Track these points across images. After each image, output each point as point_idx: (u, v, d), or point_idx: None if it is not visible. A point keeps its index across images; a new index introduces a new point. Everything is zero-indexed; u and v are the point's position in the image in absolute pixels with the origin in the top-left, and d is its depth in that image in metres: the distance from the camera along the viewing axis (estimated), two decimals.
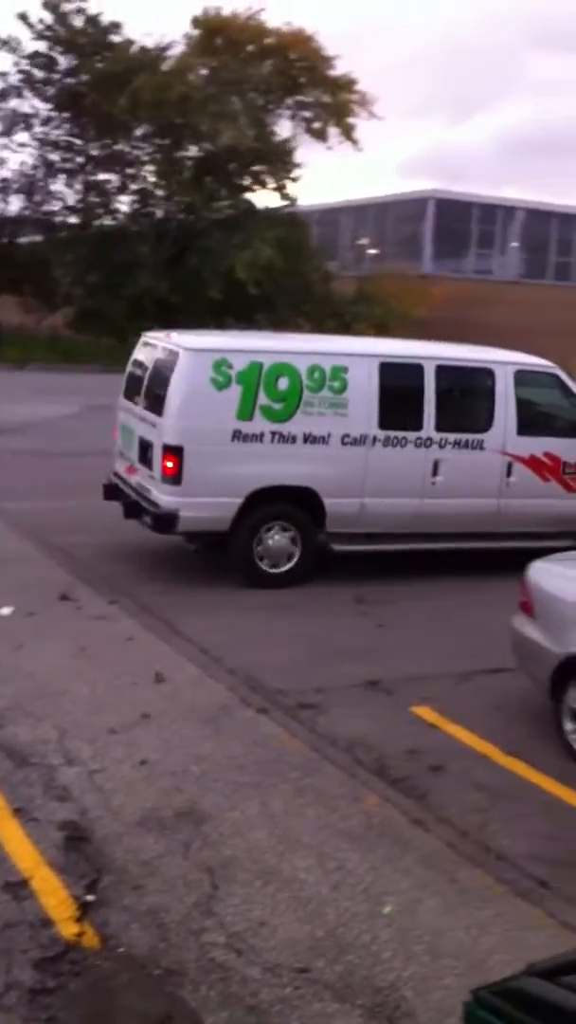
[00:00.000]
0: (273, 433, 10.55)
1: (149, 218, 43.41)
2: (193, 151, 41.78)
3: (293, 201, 42.63)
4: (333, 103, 42.00)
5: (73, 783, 6.26)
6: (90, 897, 5.14)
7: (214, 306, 40.30)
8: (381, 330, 39.17)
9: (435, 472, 11.22)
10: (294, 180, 42.31)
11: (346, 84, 41.87)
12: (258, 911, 5.10)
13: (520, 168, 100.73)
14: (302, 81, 41.96)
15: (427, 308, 40.96)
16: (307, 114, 42.84)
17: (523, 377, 11.78)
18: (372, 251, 50.68)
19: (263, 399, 10.50)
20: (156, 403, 10.67)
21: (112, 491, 11.65)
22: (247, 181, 42.80)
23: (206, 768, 6.56)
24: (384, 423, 10.97)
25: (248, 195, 43.03)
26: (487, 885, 5.49)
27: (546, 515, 11.75)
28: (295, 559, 10.91)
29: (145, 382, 11.16)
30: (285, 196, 42.50)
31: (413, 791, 6.49)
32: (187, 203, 41.51)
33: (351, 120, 42.03)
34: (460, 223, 48.67)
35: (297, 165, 42.41)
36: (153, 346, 11.45)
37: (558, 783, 6.68)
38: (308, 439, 10.68)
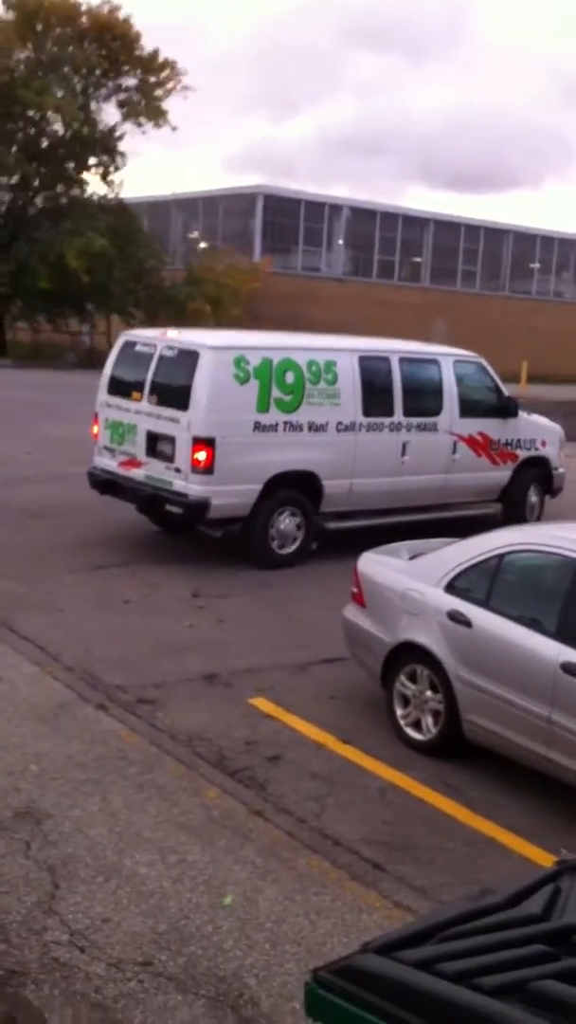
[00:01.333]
0: (285, 423, 11.50)
1: None
2: (19, 137, 40.84)
3: (118, 189, 42.12)
4: (144, 82, 41.61)
5: None
6: None
7: (44, 295, 39.58)
8: (215, 306, 39.19)
9: (404, 452, 12.43)
10: (118, 168, 41.85)
11: (152, 58, 41.44)
12: (100, 907, 5.12)
13: (343, 166, 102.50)
14: (122, 60, 41.39)
15: (260, 283, 41.30)
16: (124, 96, 42.27)
17: (459, 366, 13.41)
18: (203, 244, 50.67)
19: (276, 392, 11.40)
20: (173, 398, 11.23)
21: (108, 486, 12.21)
22: (74, 168, 42.11)
23: (45, 766, 6.52)
24: (367, 411, 12.14)
25: (77, 184, 42.39)
26: (324, 871, 5.65)
27: (478, 486, 13.56)
28: (299, 540, 11.82)
29: (150, 379, 11.56)
30: (111, 184, 41.99)
31: (252, 782, 6.60)
32: (13, 187, 40.54)
33: (161, 98, 41.61)
34: (288, 219, 49.18)
35: (122, 153, 42.00)
36: (149, 345, 11.84)
37: (391, 768, 6.90)
38: (311, 427, 11.73)
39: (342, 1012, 2.44)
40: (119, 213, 41.61)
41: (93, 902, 5.15)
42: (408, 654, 7.23)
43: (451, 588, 7.03)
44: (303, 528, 11.84)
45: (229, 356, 11.20)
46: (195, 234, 51.94)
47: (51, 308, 42.02)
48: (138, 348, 12.05)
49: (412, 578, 7.34)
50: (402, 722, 7.30)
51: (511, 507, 13.86)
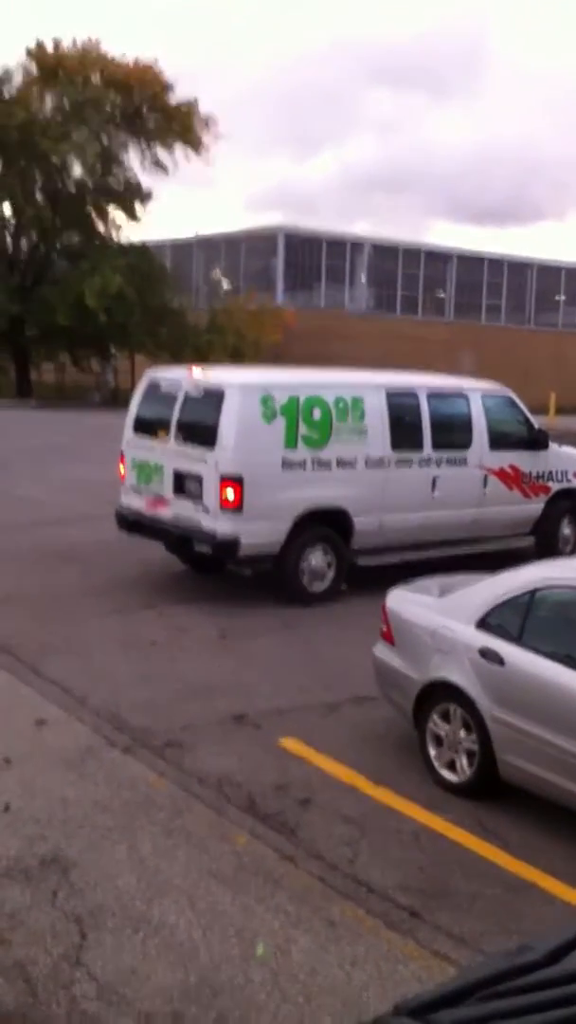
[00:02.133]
0: (313, 460, 11.49)
1: None
2: (41, 181, 41.44)
3: (139, 224, 42.64)
4: (177, 127, 42.16)
5: None
6: None
7: (65, 334, 39.93)
8: (235, 357, 39.48)
9: (434, 487, 12.40)
10: (144, 205, 42.38)
11: (189, 109, 42.08)
12: (128, 959, 4.98)
13: (365, 203, 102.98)
14: (145, 111, 42.04)
15: (281, 334, 41.44)
16: (153, 142, 42.88)
17: (488, 399, 13.33)
18: (226, 286, 50.98)
19: (303, 429, 11.41)
20: (200, 437, 11.23)
21: (136, 526, 12.18)
22: (95, 212, 42.68)
23: (72, 813, 6.40)
24: (396, 445, 12.12)
25: (98, 226, 42.93)
26: (359, 919, 5.49)
27: (511, 520, 13.43)
28: (330, 576, 11.75)
29: (176, 417, 11.57)
30: (135, 217, 42.49)
31: (283, 827, 6.45)
32: (39, 232, 41.08)
33: (198, 135, 42.23)
34: (310, 258, 49.39)
35: (147, 196, 42.50)
36: (174, 383, 11.85)
37: (425, 811, 6.74)
38: (340, 463, 11.70)
39: None
40: (140, 254, 42.00)
41: (121, 953, 5.02)
42: (440, 693, 7.07)
43: (483, 625, 6.88)
44: (334, 565, 11.76)
45: (255, 394, 11.18)
46: (216, 273, 52.26)
47: (73, 348, 42.36)
48: (163, 387, 12.04)
49: (443, 615, 7.21)
50: (436, 763, 7.13)
51: (544, 540, 13.73)
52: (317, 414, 11.46)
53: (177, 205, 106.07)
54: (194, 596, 11.77)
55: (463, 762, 6.97)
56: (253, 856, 6.05)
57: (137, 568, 12.87)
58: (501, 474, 13.15)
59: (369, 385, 12.32)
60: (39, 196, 40.76)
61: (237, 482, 10.92)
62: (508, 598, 6.85)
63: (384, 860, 6.11)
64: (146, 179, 43.20)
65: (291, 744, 7.71)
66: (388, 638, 7.64)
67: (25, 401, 39.46)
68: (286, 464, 11.26)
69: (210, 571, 12.39)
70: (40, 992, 4.72)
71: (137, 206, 42.35)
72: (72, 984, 4.79)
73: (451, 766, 7.06)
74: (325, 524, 11.66)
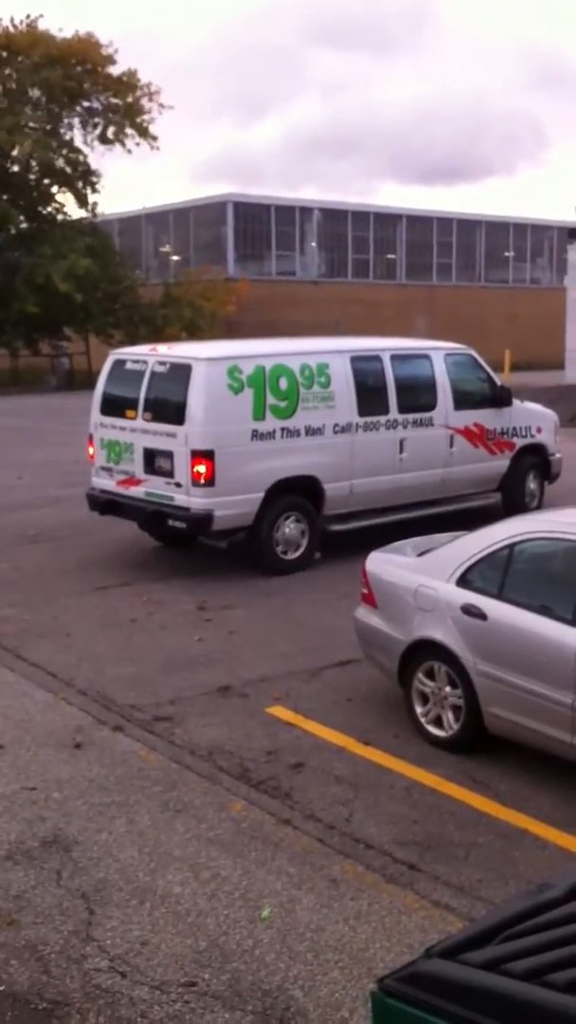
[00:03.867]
0: (282, 429, 11.51)
1: None
2: None
3: (94, 210, 42.29)
4: (122, 104, 41.77)
5: None
6: None
7: (27, 319, 39.55)
8: (192, 331, 39.31)
9: (401, 450, 12.48)
10: (95, 191, 42.03)
11: (130, 79, 41.67)
12: (138, 930, 5.06)
13: (311, 167, 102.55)
14: (87, 86, 41.60)
15: (235, 306, 41.31)
16: (97, 120, 42.51)
17: (450, 359, 13.41)
18: (175, 257, 50.67)
19: (271, 399, 11.41)
20: (169, 413, 11.25)
21: (109, 506, 12.15)
22: (47, 195, 42.21)
23: (68, 793, 6.46)
24: (362, 411, 12.15)
25: (50, 207, 42.46)
26: (359, 875, 5.59)
27: (478, 477, 13.58)
28: (304, 544, 11.81)
29: (143, 396, 11.53)
30: (85, 204, 42.12)
31: (277, 791, 6.54)
32: None
33: (144, 117, 41.91)
34: (259, 226, 49.19)
35: (97, 175, 42.14)
36: (140, 361, 11.81)
37: (415, 767, 6.85)
38: (309, 431, 11.73)
39: (412, 1019, 2.39)
40: (93, 233, 41.66)
41: (130, 926, 5.09)
42: (424, 651, 7.18)
43: (463, 582, 6.98)
44: (307, 533, 11.83)
45: (222, 367, 11.18)
46: (167, 247, 51.93)
47: (30, 333, 42.03)
48: (128, 366, 12.01)
49: (423, 575, 7.30)
50: (423, 720, 7.25)
51: (511, 496, 13.87)
52: (284, 383, 11.51)
53: (122, 177, 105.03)
54: (169, 571, 11.82)
55: (449, 717, 7.09)
56: (250, 822, 6.14)
57: (109, 547, 12.90)
58: (466, 433, 13.27)
59: (333, 351, 12.36)
60: None
61: (208, 456, 10.94)
62: (486, 554, 6.95)
63: (379, 817, 6.22)
64: (94, 158, 42.89)
65: (278, 711, 7.80)
66: (369, 601, 7.73)
67: None
68: (256, 435, 11.29)
69: (183, 546, 12.41)
70: (53, 970, 4.79)
71: (87, 188, 41.94)
72: (84, 959, 4.85)
73: (438, 722, 7.17)
74: (296, 493, 11.74)
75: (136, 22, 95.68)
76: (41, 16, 41.68)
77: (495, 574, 6.83)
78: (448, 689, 7.06)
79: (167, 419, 11.24)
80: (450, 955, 2.47)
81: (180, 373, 11.21)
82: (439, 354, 13.32)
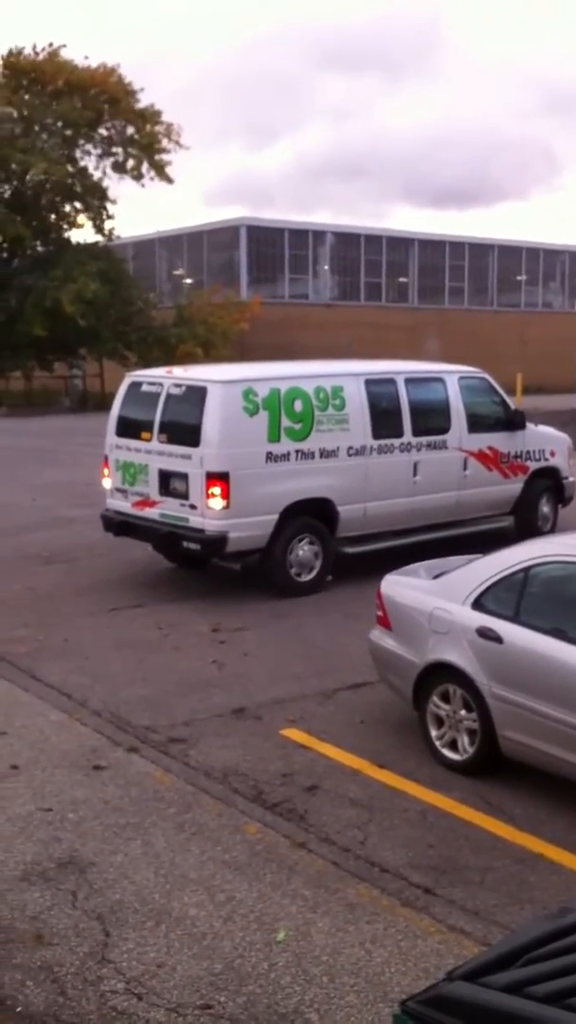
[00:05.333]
0: (296, 451, 11.56)
1: None
2: (3, 188, 41.22)
3: (109, 235, 42.61)
4: (140, 138, 42.16)
5: None
6: None
7: (36, 343, 39.80)
8: (206, 348, 39.45)
9: (415, 473, 12.50)
10: (110, 216, 42.39)
11: (152, 116, 42.12)
12: (153, 952, 5.06)
13: (323, 191, 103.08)
14: (106, 117, 42.03)
15: (248, 323, 41.49)
16: (115, 150, 42.89)
17: (464, 383, 13.44)
18: (188, 281, 50.94)
19: (285, 421, 11.46)
20: (184, 435, 11.28)
21: (123, 527, 12.22)
22: (61, 218, 42.56)
23: (83, 814, 6.46)
24: (377, 433, 12.18)
25: (64, 232, 42.80)
26: (374, 899, 5.58)
27: (491, 500, 13.60)
28: (318, 566, 11.81)
29: (158, 418, 11.57)
30: (101, 231, 42.45)
31: (292, 814, 6.54)
32: (10, 240, 40.78)
33: (162, 156, 42.32)
34: (272, 249, 49.44)
35: (111, 200, 42.50)
36: (156, 384, 11.86)
37: (430, 790, 6.84)
38: (323, 454, 11.77)
39: None
40: (106, 257, 41.93)
41: (146, 948, 5.09)
42: (439, 674, 7.18)
43: (478, 605, 6.99)
44: (321, 555, 11.84)
45: (237, 389, 11.22)
46: (180, 271, 52.21)
47: (42, 355, 42.28)
48: (144, 388, 12.06)
49: (438, 597, 7.31)
50: (437, 743, 7.24)
51: (524, 519, 13.87)
52: (299, 406, 11.55)
53: (135, 202, 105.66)
54: (182, 593, 11.85)
55: (464, 741, 7.08)
56: (265, 844, 6.13)
57: (122, 568, 12.93)
58: (480, 456, 13.28)
59: (348, 374, 12.38)
60: (3, 205, 40.48)
61: (223, 479, 10.98)
62: (502, 577, 6.95)
63: (394, 840, 6.21)
64: (109, 184, 43.25)
65: (293, 733, 7.80)
66: (384, 623, 7.74)
67: None
68: (270, 457, 11.33)
69: (198, 568, 12.43)
70: (69, 991, 4.78)
71: (102, 213, 42.28)
72: (100, 981, 4.85)
73: (452, 745, 7.17)
74: (310, 515, 11.74)
75: (145, 47, 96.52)
76: (64, 46, 41.90)
77: (511, 597, 6.84)
78: (463, 712, 7.05)
79: (182, 441, 11.29)
80: (472, 978, 2.48)
81: (195, 395, 11.26)
82: (453, 377, 13.35)
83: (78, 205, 42.33)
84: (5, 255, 42.59)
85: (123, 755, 7.38)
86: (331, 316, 48.14)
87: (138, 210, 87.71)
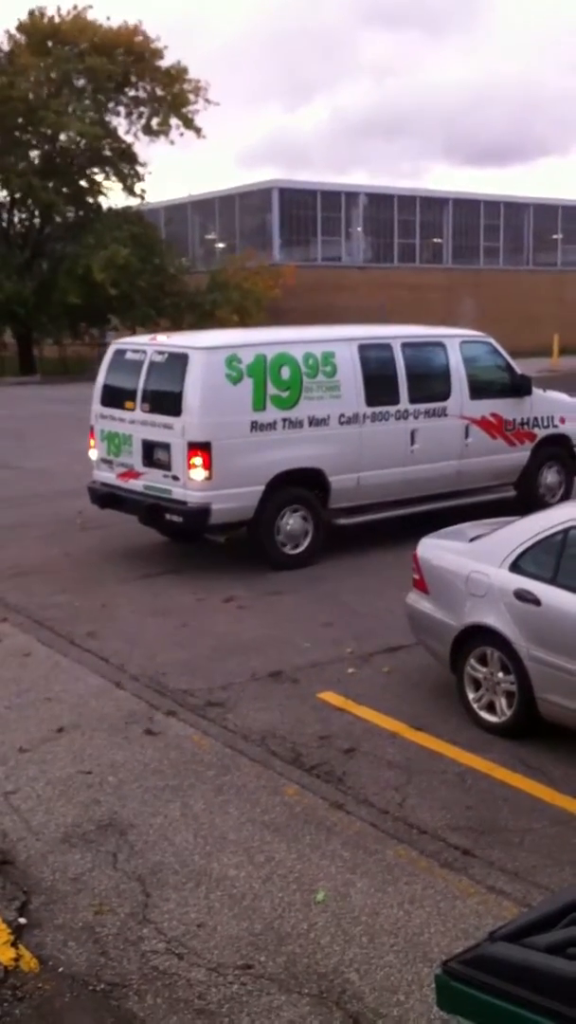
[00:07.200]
0: (284, 420, 11.15)
1: None
2: (34, 154, 41.12)
3: (142, 197, 42.39)
4: (168, 95, 41.85)
5: None
6: (22, 920, 5.07)
7: (70, 310, 39.80)
8: (241, 314, 39.29)
9: (413, 441, 12.12)
10: (140, 178, 42.14)
11: (178, 73, 41.75)
12: (194, 913, 5.10)
13: (360, 150, 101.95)
14: (133, 78, 41.73)
15: (281, 289, 41.27)
16: (143, 109, 42.63)
17: (466, 347, 12.92)
18: (221, 245, 50.71)
19: (272, 389, 11.06)
20: (166, 404, 10.95)
21: (109, 499, 11.96)
22: (92, 183, 42.41)
23: (123, 777, 6.52)
24: (371, 401, 11.78)
25: (95, 197, 42.64)
26: (413, 860, 5.59)
27: (496, 470, 13.09)
28: (309, 538, 11.48)
29: (141, 386, 11.30)
30: (133, 193, 42.24)
31: (330, 776, 6.56)
32: (42, 206, 40.70)
33: (189, 108, 41.98)
34: (305, 211, 49.04)
35: (142, 164, 42.29)
36: (140, 352, 11.57)
37: (467, 752, 6.84)
38: (312, 422, 11.36)
39: (477, 1002, 2.39)
40: (138, 222, 41.77)
41: (186, 908, 5.14)
42: (477, 637, 7.15)
43: (515, 567, 6.94)
44: (311, 526, 11.51)
45: (220, 356, 10.89)
46: (213, 235, 51.98)
47: (75, 323, 42.27)
48: (128, 356, 11.73)
49: (475, 560, 7.26)
50: (475, 705, 7.23)
51: (526, 490, 13.36)
52: (286, 373, 11.16)
53: (167, 165, 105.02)
54: (215, 559, 11.84)
55: (502, 703, 7.06)
56: (304, 806, 6.16)
57: (155, 534, 12.93)
58: (483, 423, 12.81)
59: (340, 339, 11.97)
60: (35, 171, 40.37)
61: (205, 449, 10.65)
62: (540, 539, 6.89)
63: (432, 802, 6.21)
64: (140, 148, 43.08)
65: (330, 696, 7.81)
66: (421, 586, 7.71)
67: (30, 378, 39.52)
68: (255, 427, 10.96)
69: (189, 541, 12.09)
70: (111, 951, 4.84)
71: (132, 177, 42.06)
72: (141, 941, 4.90)
73: (490, 708, 7.15)
74: (300, 485, 11.40)
75: (181, 6, 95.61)
76: (90, 7, 41.60)
77: (549, 559, 6.78)
78: (501, 675, 7.03)
79: (164, 410, 10.97)
80: (515, 939, 2.47)
81: (177, 363, 10.93)
82: (454, 341, 12.83)
83: (108, 169, 42.11)
84: (37, 222, 42.50)
85: (161, 718, 7.43)
86: (365, 279, 47.76)
87: (172, 175, 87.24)
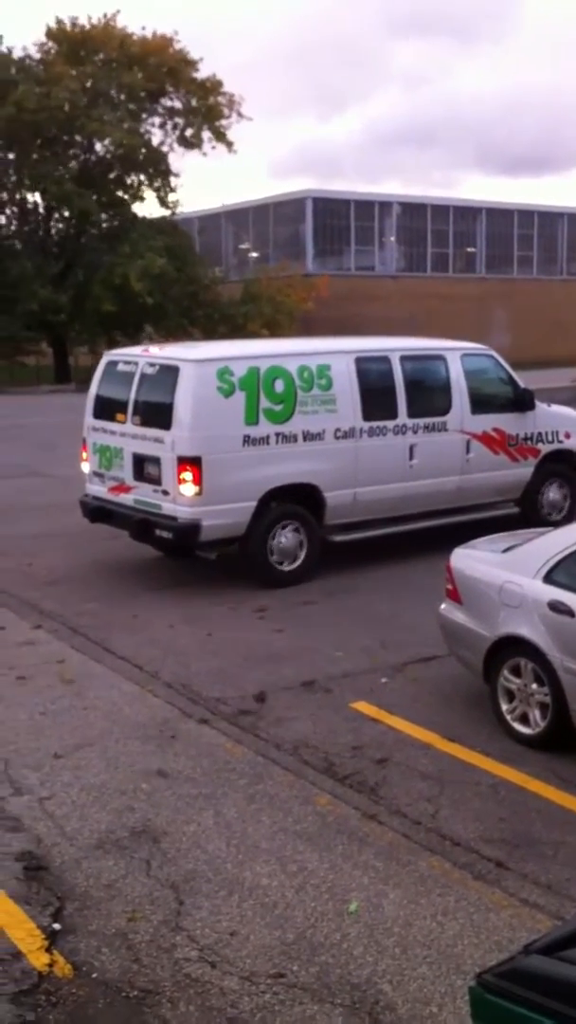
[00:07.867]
0: (277, 434, 10.92)
1: (32, 234, 42.97)
2: (72, 164, 41.49)
3: (174, 208, 42.67)
4: (202, 107, 42.12)
5: (24, 813, 6.20)
6: (56, 926, 5.10)
7: (104, 319, 40.08)
8: (273, 327, 39.44)
9: (411, 456, 11.88)
10: (173, 189, 42.45)
11: (213, 87, 42.03)
12: (227, 921, 5.12)
13: (393, 160, 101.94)
14: (169, 88, 42.04)
15: (313, 302, 41.34)
16: (178, 120, 42.94)
17: (468, 360, 12.64)
18: (254, 254, 50.87)
19: (265, 402, 10.84)
20: (157, 418, 10.76)
21: (100, 513, 11.74)
22: (127, 188, 42.71)
23: (156, 784, 6.55)
24: (368, 415, 11.53)
25: (131, 206, 42.96)
26: (446, 872, 5.59)
27: (498, 485, 12.80)
28: (303, 555, 11.24)
29: (132, 399, 11.13)
30: (166, 204, 42.53)
31: (362, 786, 6.55)
32: (78, 215, 41.05)
33: (222, 123, 42.25)
34: (338, 220, 49.15)
35: (175, 174, 42.60)
36: (132, 363, 11.40)
37: (501, 764, 6.81)
38: (307, 437, 11.12)
39: (511, 1015, 2.39)
40: (172, 232, 42.05)
41: (219, 916, 5.15)
42: (510, 647, 7.13)
43: (549, 579, 6.92)
44: (306, 543, 11.24)
45: (211, 368, 10.67)
46: (246, 244, 52.16)
47: (110, 331, 42.55)
48: (120, 367, 11.55)
49: (508, 571, 7.24)
50: (508, 717, 7.20)
51: (528, 506, 13.10)
52: (280, 386, 10.93)
53: (200, 175, 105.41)
54: (245, 567, 11.83)
55: (536, 715, 7.03)
56: (336, 816, 6.16)
57: None
58: (485, 438, 12.50)
59: (336, 352, 11.75)
60: (71, 180, 40.69)
61: (195, 463, 10.43)
62: (574, 550, 6.87)
63: (465, 813, 6.20)
64: (174, 159, 43.39)
65: (363, 706, 7.81)
66: (454, 597, 7.70)
67: (65, 386, 39.79)
68: (248, 441, 10.72)
69: (181, 557, 11.73)
70: (144, 958, 4.86)
71: (166, 188, 42.37)
72: (174, 949, 4.92)
73: (524, 719, 7.13)
74: (294, 501, 11.16)
75: (213, 15, 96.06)
76: (119, 12, 42.14)
77: None
78: (535, 686, 7.00)
79: (155, 423, 10.76)
80: (550, 952, 2.46)
81: (168, 375, 10.72)
82: (455, 354, 12.51)
83: (142, 178, 42.40)
84: (73, 231, 42.84)
85: (194, 726, 7.46)
86: (397, 288, 47.80)
87: (205, 185, 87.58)
